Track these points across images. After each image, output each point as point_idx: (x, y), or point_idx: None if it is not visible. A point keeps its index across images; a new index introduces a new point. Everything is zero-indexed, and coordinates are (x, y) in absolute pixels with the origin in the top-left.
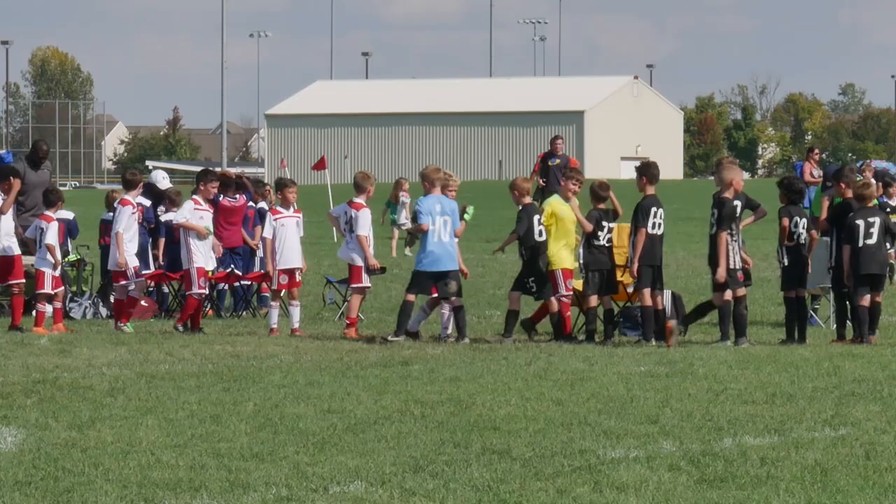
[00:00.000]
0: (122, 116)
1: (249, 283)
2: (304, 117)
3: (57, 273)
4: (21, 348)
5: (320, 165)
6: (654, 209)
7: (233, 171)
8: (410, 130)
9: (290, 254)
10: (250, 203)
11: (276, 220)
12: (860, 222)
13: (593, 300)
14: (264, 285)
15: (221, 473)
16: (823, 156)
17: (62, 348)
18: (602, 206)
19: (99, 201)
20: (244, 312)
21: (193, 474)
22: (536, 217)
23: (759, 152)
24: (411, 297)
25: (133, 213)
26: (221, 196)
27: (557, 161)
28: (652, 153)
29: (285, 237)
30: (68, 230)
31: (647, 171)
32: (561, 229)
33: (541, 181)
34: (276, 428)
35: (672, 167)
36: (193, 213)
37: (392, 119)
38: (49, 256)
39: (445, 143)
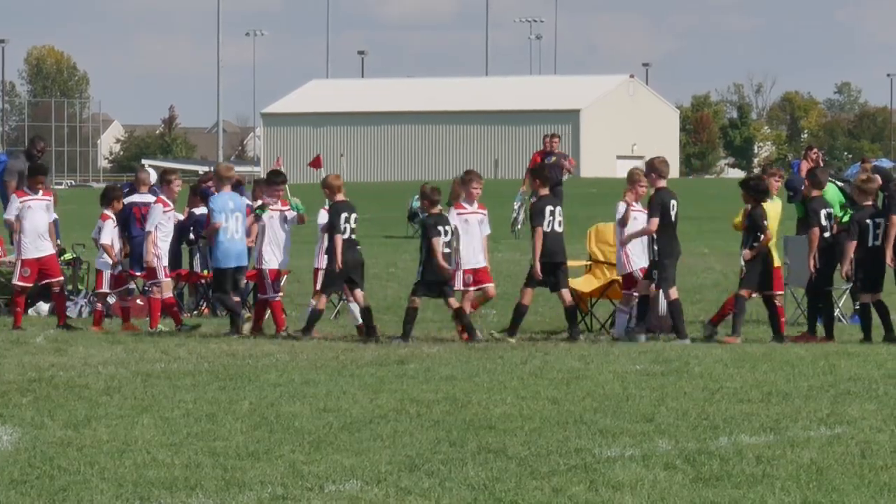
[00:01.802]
0: (118, 115)
1: (245, 281)
2: (300, 116)
3: (115, 272)
4: (17, 347)
5: (316, 164)
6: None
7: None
8: (406, 129)
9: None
10: (247, 202)
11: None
12: (869, 222)
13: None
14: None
15: (217, 472)
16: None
17: (58, 347)
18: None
19: (95, 200)
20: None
21: (189, 473)
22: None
23: (755, 151)
24: (233, 297)
25: (166, 212)
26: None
27: (554, 159)
28: (648, 152)
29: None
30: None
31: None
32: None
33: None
34: (271, 427)
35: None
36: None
37: (388, 118)
38: (105, 256)
39: (441, 142)
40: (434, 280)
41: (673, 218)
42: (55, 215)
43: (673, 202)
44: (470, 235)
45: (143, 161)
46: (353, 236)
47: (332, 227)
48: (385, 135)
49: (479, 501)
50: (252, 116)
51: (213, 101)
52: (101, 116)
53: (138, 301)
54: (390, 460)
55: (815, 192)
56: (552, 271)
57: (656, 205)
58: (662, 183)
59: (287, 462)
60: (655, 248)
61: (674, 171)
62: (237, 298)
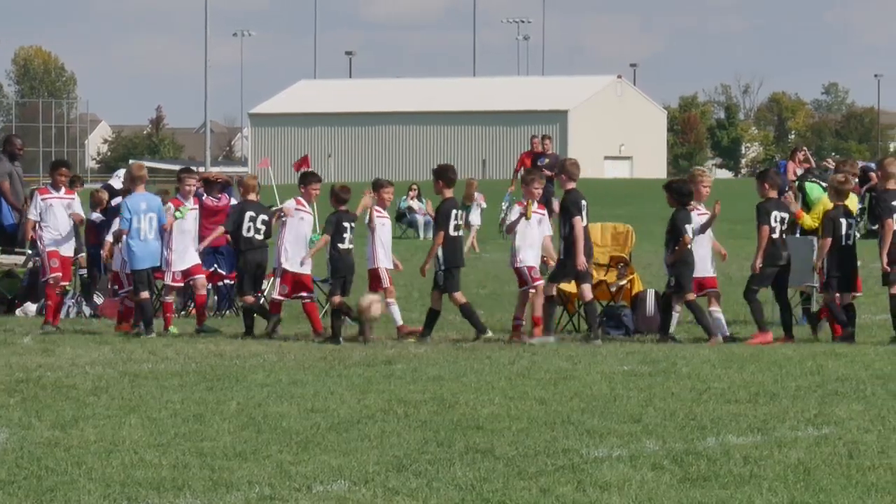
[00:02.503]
0: (106, 115)
1: (233, 282)
2: (287, 116)
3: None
4: (4, 347)
5: (303, 164)
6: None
7: (214, 171)
8: (394, 130)
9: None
10: (234, 202)
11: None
12: (843, 221)
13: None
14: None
15: (205, 472)
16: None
17: (45, 347)
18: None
19: (83, 200)
20: (228, 311)
21: (176, 473)
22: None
23: (743, 151)
24: (145, 295)
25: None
26: (205, 195)
27: (547, 161)
28: (635, 152)
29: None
30: None
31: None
32: None
33: None
34: (259, 427)
35: (655, 166)
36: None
37: (376, 118)
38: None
39: (429, 143)
40: (340, 276)
41: (585, 219)
42: (82, 213)
43: (583, 203)
44: (531, 232)
45: (131, 161)
46: (259, 237)
47: (237, 227)
48: (373, 135)
49: (467, 502)
50: (240, 117)
51: (200, 101)
52: (89, 117)
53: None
54: (378, 461)
55: (770, 193)
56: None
57: (571, 206)
58: (572, 185)
59: (275, 462)
60: (562, 245)
61: (661, 172)
62: (170, 299)
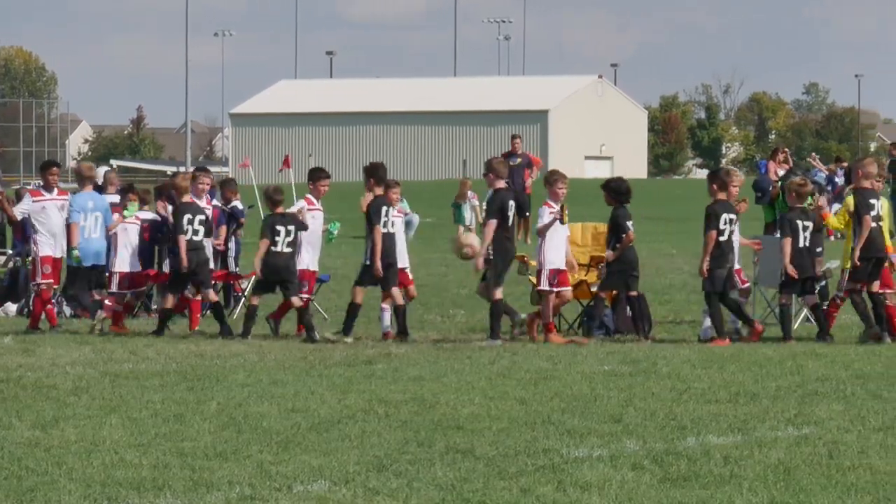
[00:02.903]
0: (87, 115)
1: (214, 282)
2: (268, 116)
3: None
4: None
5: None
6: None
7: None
8: (375, 129)
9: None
10: (214, 202)
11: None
12: (799, 223)
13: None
14: (236, 284)
15: (185, 472)
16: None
17: (26, 347)
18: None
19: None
20: (208, 311)
21: (157, 473)
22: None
23: (723, 151)
24: (104, 299)
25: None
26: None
27: (518, 160)
28: (616, 152)
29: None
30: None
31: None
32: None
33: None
34: (239, 427)
35: (636, 166)
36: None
37: (356, 118)
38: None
39: (410, 142)
40: (268, 279)
41: (511, 220)
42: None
43: (511, 203)
44: (557, 235)
45: (112, 161)
46: (197, 238)
47: (176, 229)
48: (354, 135)
49: (447, 502)
50: (220, 117)
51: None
52: (70, 117)
53: (106, 302)
54: (358, 460)
55: (719, 195)
56: (386, 271)
57: (495, 205)
58: (501, 184)
59: (255, 462)
60: (491, 248)
61: (642, 172)
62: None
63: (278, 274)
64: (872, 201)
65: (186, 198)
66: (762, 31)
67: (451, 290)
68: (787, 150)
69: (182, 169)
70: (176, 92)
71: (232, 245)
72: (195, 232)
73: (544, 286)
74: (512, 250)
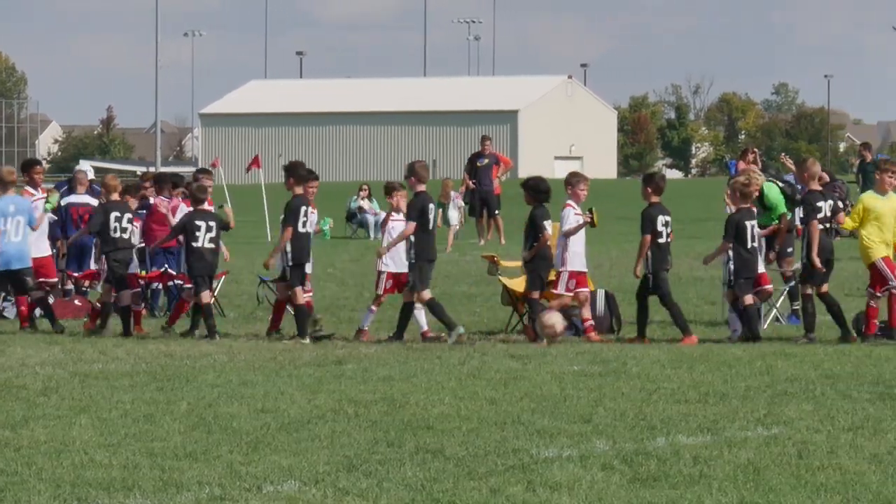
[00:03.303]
0: (57, 116)
1: (183, 282)
2: (238, 116)
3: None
4: None
5: (254, 165)
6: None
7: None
8: (345, 130)
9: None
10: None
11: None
12: (747, 224)
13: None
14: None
15: (155, 473)
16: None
17: None
18: None
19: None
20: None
21: (127, 474)
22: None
23: (693, 152)
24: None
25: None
26: (156, 196)
27: (486, 161)
28: (586, 152)
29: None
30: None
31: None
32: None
33: (470, 183)
34: (209, 427)
35: (606, 166)
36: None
37: (326, 118)
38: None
39: (380, 143)
40: (198, 275)
41: (431, 223)
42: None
43: (431, 206)
44: (579, 238)
45: (82, 161)
46: (125, 236)
47: (103, 228)
48: (323, 135)
49: (417, 502)
50: (190, 117)
51: (151, 101)
52: (39, 117)
53: (76, 302)
54: (328, 461)
55: (653, 198)
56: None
57: (415, 208)
58: (422, 187)
59: (225, 463)
60: (413, 251)
61: (611, 172)
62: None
63: (207, 269)
64: (820, 204)
65: (115, 196)
66: (731, 31)
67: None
68: (756, 150)
69: (152, 169)
70: (146, 92)
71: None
72: (123, 230)
73: (561, 290)
74: (434, 252)
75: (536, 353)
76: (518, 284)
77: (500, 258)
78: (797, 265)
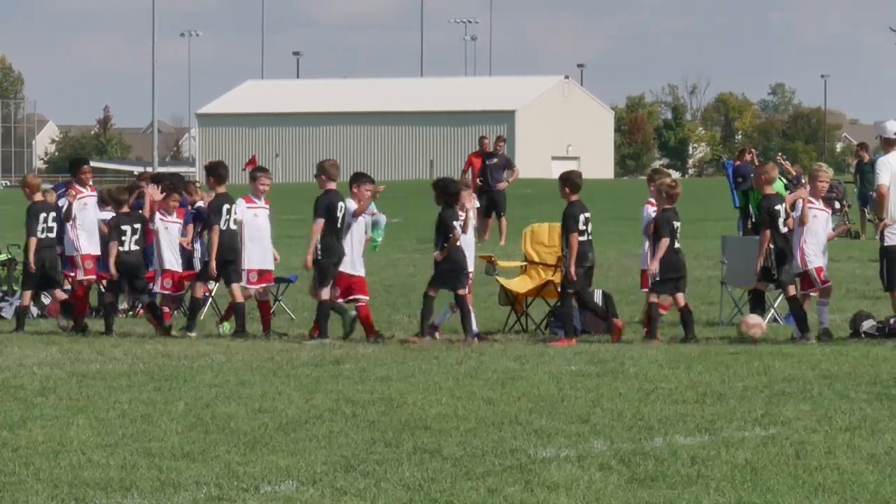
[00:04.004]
0: (54, 116)
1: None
2: (235, 116)
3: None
4: None
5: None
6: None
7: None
8: (342, 130)
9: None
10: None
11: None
12: (677, 224)
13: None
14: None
15: (152, 473)
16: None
17: None
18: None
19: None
20: (175, 312)
21: (124, 474)
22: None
23: (690, 152)
24: None
25: (250, 209)
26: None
27: (496, 160)
28: (583, 153)
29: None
30: None
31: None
32: None
33: (479, 180)
34: (207, 427)
35: (603, 167)
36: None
37: (323, 118)
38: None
39: (376, 143)
40: (122, 272)
41: (339, 222)
42: None
43: (340, 205)
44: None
45: None
46: (51, 235)
47: (29, 228)
48: (320, 135)
49: (415, 502)
50: (187, 117)
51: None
52: (36, 117)
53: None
54: (326, 461)
55: (572, 197)
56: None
57: (322, 206)
58: (332, 185)
59: (222, 463)
60: (319, 247)
61: (608, 172)
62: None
63: (131, 272)
64: (777, 207)
65: (38, 196)
66: (728, 31)
67: (418, 290)
68: (753, 150)
69: (149, 169)
70: (142, 92)
71: (197, 245)
72: (49, 229)
73: (807, 288)
74: (340, 250)
75: (534, 354)
76: (516, 284)
77: (498, 258)
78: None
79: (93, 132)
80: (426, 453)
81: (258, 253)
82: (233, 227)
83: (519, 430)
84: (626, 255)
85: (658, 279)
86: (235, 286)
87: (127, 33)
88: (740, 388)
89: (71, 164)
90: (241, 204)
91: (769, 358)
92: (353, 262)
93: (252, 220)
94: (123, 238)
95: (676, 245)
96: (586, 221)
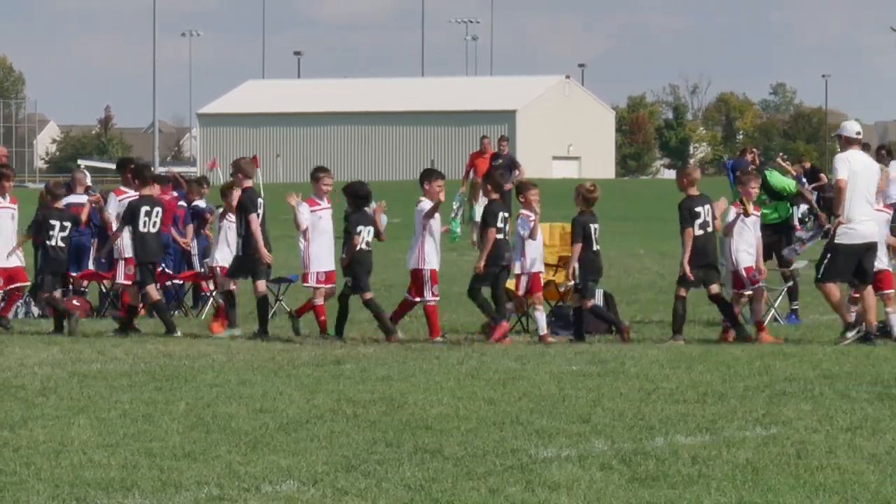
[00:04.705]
0: (55, 115)
1: (181, 282)
2: (235, 116)
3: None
4: None
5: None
6: (500, 213)
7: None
8: (342, 130)
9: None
10: (181, 202)
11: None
12: (593, 226)
13: None
14: (204, 284)
15: (153, 473)
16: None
17: None
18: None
19: (32, 200)
20: (176, 312)
21: (125, 474)
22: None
23: (691, 152)
24: None
25: (314, 212)
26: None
27: (501, 161)
28: (584, 152)
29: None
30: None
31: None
32: None
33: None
34: (208, 427)
35: (603, 167)
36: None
37: (324, 118)
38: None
39: (377, 143)
40: (52, 272)
41: (260, 217)
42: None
43: (260, 200)
44: (746, 231)
45: (80, 161)
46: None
47: (40, 234)
48: (321, 135)
49: (416, 502)
50: (188, 117)
51: (148, 101)
52: (37, 117)
53: (74, 301)
54: (327, 461)
55: (493, 195)
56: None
57: (248, 203)
58: (248, 183)
59: (223, 463)
60: (240, 243)
61: (609, 172)
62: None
63: (62, 266)
64: (698, 209)
65: (59, 204)
66: (729, 31)
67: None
68: (754, 150)
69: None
70: (144, 92)
71: (194, 244)
72: (62, 238)
73: (738, 288)
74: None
75: (535, 354)
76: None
77: None
78: (797, 265)
79: (94, 132)
80: (427, 453)
81: (326, 255)
82: (152, 229)
83: (520, 430)
84: (627, 254)
85: (580, 284)
86: (151, 287)
87: (128, 33)
88: (741, 388)
89: (118, 163)
90: (304, 208)
91: (770, 358)
92: (428, 256)
93: (317, 222)
94: (52, 233)
95: (595, 248)
96: (504, 220)
